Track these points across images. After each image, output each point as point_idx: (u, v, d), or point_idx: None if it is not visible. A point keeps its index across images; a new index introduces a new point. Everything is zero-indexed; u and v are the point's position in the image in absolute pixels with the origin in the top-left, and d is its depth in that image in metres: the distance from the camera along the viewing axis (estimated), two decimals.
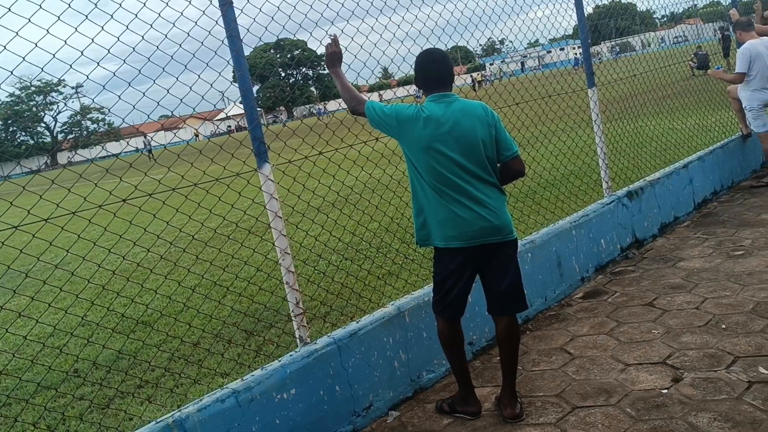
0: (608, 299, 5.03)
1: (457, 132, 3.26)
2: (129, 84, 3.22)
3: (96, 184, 3.13)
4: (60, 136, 78.73)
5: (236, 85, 3.62)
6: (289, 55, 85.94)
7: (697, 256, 5.57)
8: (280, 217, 3.61)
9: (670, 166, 6.86)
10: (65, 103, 78.66)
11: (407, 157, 3.41)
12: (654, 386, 3.61)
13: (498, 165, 3.45)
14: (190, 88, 3.42)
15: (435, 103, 3.34)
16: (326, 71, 4.33)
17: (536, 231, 5.28)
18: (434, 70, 3.40)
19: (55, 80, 74.04)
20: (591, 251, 5.55)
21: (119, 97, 3.17)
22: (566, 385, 3.83)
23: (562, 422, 3.44)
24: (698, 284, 4.94)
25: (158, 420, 3.06)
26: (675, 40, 19.52)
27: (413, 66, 3.53)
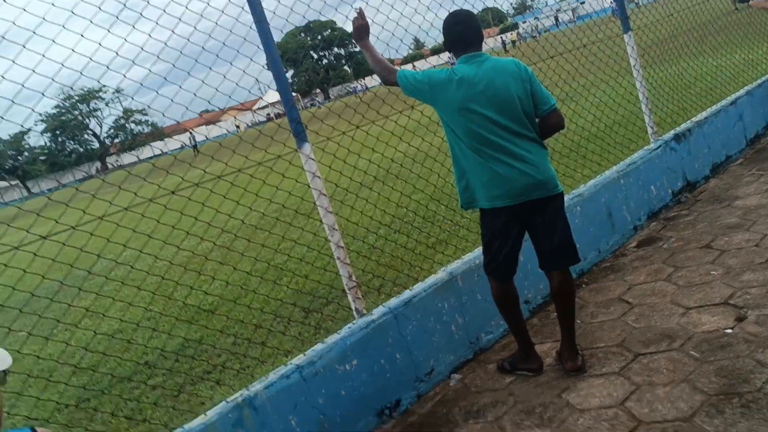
0: (663, 245, 4.94)
1: (490, 91, 3.23)
2: (165, 79, 3.29)
3: (145, 179, 3.23)
4: (107, 141, 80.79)
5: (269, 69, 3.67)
6: (319, 37, 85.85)
7: (753, 194, 5.41)
8: (325, 195, 3.66)
9: (717, 104, 6.63)
10: (108, 108, 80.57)
11: (444, 121, 3.40)
12: (717, 327, 3.55)
13: (537, 120, 3.41)
14: (224, 76, 3.48)
15: (466, 64, 3.32)
16: (357, 48, 4.33)
17: (584, 184, 5.20)
18: (461, 31, 3.37)
19: (97, 87, 75.83)
20: (641, 199, 5.45)
21: (157, 92, 3.25)
22: (627, 334, 3.80)
23: (625, 370, 3.43)
24: (756, 221, 4.81)
25: (228, 400, 3.18)
26: None
27: (442, 31, 3.51)
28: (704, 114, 6.36)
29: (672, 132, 5.97)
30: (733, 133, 6.56)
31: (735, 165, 6.37)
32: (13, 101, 2.87)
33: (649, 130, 5.82)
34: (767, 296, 3.70)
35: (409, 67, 3.86)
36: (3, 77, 2.72)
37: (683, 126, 6.11)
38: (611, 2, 6.08)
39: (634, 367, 3.44)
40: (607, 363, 3.56)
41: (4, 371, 1.83)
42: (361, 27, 3.61)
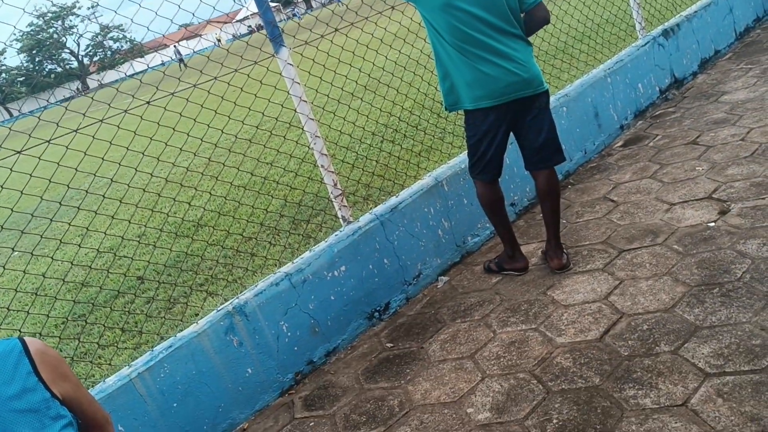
0: (650, 143, 4.93)
1: None
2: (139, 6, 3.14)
3: (134, 96, 3.14)
4: (86, 60, 78.63)
5: None
6: None
7: (741, 88, 5.35)
8: (306, 101, 3.58)
9: None
10: (84, 25, 77.90)
11: (426, 21, 3.29)
12: (700, 221, 3.59)
13: (522, 15, 3.30)
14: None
15: None
16: None
17: (570, 83, 5.12)
18: None
19: (70, 3, 73.10)
20: (629, 97, 5.38)
21: (140, 5, 3.12)
22: (611, 231, 3.85)
23: (609, 266, 3.49)
24: (743, 116, 4.78)
25: (219, 308, 3.23)
26: None
27: None
28: (693, 8, 6.20)
29: (660, 27, 5.83)
30: (722, 27, 6.42)
31: (723, 60, 6.27)
32: None
33: (638, 26, 5.69)
34: (751, 189, 3.72)
35: None
36: None
37: (672, 21, 5.96)
38: None
39: (618, 263, 3.50)
40: (592, 260, 3.62)
41: None
42: None
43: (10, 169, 2.80)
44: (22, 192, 2.99)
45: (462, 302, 3.67)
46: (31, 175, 2.88)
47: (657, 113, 5.49)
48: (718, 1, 6.38)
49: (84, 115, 2.99)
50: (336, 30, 3.79)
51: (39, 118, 2.91)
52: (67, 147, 2.86)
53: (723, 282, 3.02)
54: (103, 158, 3.32)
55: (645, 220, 3.84)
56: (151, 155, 3.50)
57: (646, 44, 5.54)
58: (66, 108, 3.11)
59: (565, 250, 3.69)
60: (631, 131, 5.30)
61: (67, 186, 3.31)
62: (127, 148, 3.40)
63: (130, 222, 3.71)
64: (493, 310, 3.49)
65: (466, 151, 3.82)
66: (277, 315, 3.33)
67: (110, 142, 3.17)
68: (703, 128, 4.83)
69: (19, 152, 2.74)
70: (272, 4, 3.83)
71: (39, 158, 2.81)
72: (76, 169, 3.10)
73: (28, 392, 1.63)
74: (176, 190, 6.10)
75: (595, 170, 4.80)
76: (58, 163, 2.98)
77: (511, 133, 3.49)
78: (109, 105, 2.99)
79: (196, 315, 4.32)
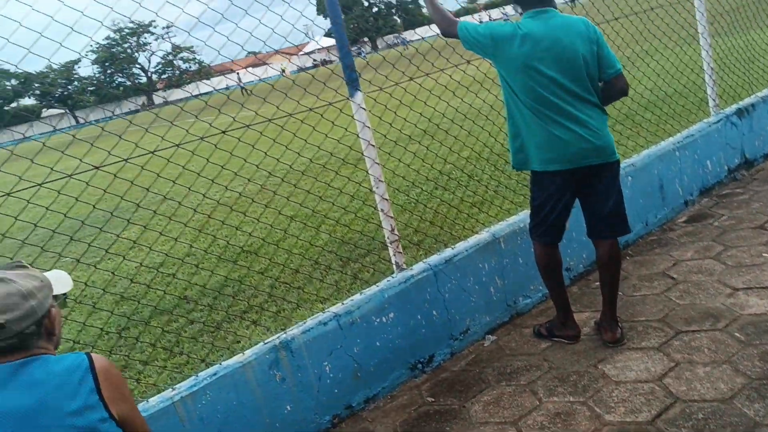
0: (714, 223, 4.80)
1: (556, 49, 3.11)
2: (222, 15, 3.25)
3: (197, 117, 3.23)
4: (154, 77, 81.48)
5: (321, 16, 3.60)
6: None
7: None
8: (373, 146, 3.61)
9: None
10: (157, 44, 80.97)
11: (503, 78, 3.30)
12: (765, 311, 3.45)
13: (600, 84, 3.29)
14: (281, 17, 3.43)
15: (532, 19, 3.19)
16: None
17: (637, 154, 5.06)
18: None
19: (146, 21, 76.18)
20: (696, 173, 5.28)
21: (214, 29, 3.22)
22: (669, 310, 3.73)
23: (665, 346, 3.37)
24: None
25: (266, 341, 3.23)
26: None
27: None
28: None
29: (735, 106, 5.73)
30: None
31: None
32: (72, 29, 2.87)
33: (711, 103, 5.60)
34: None
35: (468, 19, 3.74)
36: (63, 3, 2.72)
37: (747, 101, 5.86)
38: None
39: (674, 344, 3.38)
40: (647, 337, 3.51)
41: (64, 295, 1.86)
42: None
43: (69, 176, 2.87)
44: (77, 199, 3.07)
45: (508, 364, 3.59)
46: (87, 183, 2.95)
47: (724, 192, 5.36)
48: None
49: (146, 130, 3.07)
50: (411, 79, 3.84)
51: (103, 129, 3.00)
52: (125, 160, 2.93)
53: None
54: (158, 174, 3.40)
55: (706, 302, 3.71)
56: (205, 176, 3.56)
57: (718, 122, 5.45)
58: (130, 122, 3.20)
59: (619, 324, 3.59)
60: (696, 208, 5.18)
61: (121, 198, 3.39)
62: (183, 167, 3.47)
63: (176, 240, 3.77)
64: (541, 376, 3.40)
65: (525, 209, 3.79)
66: (322, 354, 3.31)
67: (168, 160, 3.24)
68: None
69: (81, 160, 2.83)
70: (331, 41, 3.90)
71: (97, 168, 2.88)
72: (132, 183, 3.17)
73: (89, 410, 1.64)
74: (226, 214, 6.20)
75: (655, 244, 4.69)
76: (115, 175, 3.05)
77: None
78: (171, 123, 3.07)
79: (238, 342, 4.33)
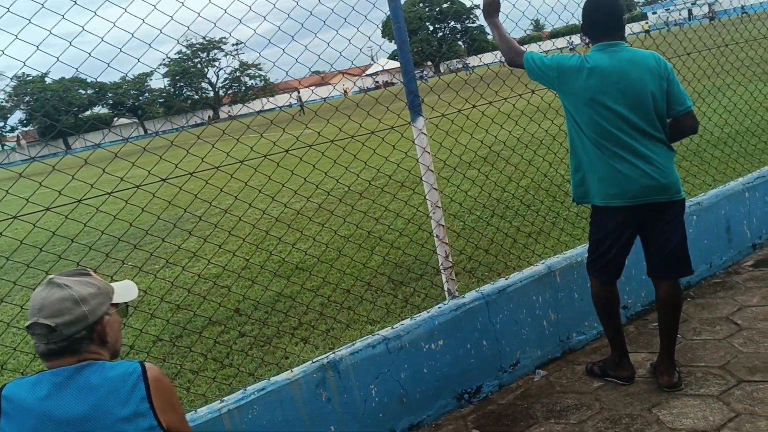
0: None
1: (624, 84, 3.06)
2: (293, 38, 3.33)
3: (262, 135, 3.30)
4: (221, 92, 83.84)
5: (385, 39, 3.64)
6: (437, 9, 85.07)
7: None
8: (432, 171, 3.61)
9: None
10: (226, 59, 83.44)
11: (567, 110, 3.26)
12: None
13: (668, 120, 3.21)
14: (349, 41, 3.49)
15: (601, 52, 3.14)
16: (474, 24, 4.19)
17: (703, 192, 4.90)
18: (602, 16, 3.18)
19: (217, 37, 78.63)
20: (766, 216, 5.07)
21: (283, 51, 3.30)
22: (731, 357, 3.58)
23: (725, 395, 3.23)
24: None
25: (314, 360, 3.24)
26: None
27: (582, 13, 3.32)
28: None
29: None
30: None
31: None
32: (150, 45, 2.98)
33: None
34: None
35: (533, 47, 3.72)
36: (143, 21, 2.83)
37: None
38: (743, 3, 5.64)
39: (735, 393, 3.23)
40: (706, 384, 3.37)
41: (126, 304, 1.92)
42: (493, 3, 3.49)
43: (138, 186, 2.96)
44: (142, 209, 3.16)
45: (558, 401, 3.50)
46: (153, 194, 3.04)
47: None
48: None
49: (213, 146, 3.15)
50: (474, 106, 3.83)
51: (172, 142, 3.09)
52: (191, 174, 3.00)
53: None
54: (221, 189, 3.48)
55: None
56: (266, 193, 3.61)
57: None
58: (198, 137, 3.30)
59: (677, 368, 3.45)
60: (765, 252, 4.97)
61: (184, 210, 3.49)
62: (246, 183, 3.54)
63: (234, 254, 3.84)
64: (591, 416, 3.30)
65: (583, 243, 3.71)
66: (368, 377, 3.29)
67: (231, 175, 3.31)
68: None
69: (149, 172, 2.91)
70: (394, 63, 3.92)
71: (164, 180, 2.96)
72: (195, 196, 3.25)
73: (139, 417, 1.68)
74: (283, 230, 6.29)
75: (719, 287, 4.52)
76: (180, 188, 3.12)
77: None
78: (237, 140, 3.14)
79: (286, 358, 4.36)
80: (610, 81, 3.06)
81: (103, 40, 2.75)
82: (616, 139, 3.09)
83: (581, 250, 4.02)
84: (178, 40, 3.32)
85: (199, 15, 3.03)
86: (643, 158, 3.10)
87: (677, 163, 5.94)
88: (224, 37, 78.93)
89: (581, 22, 3.31)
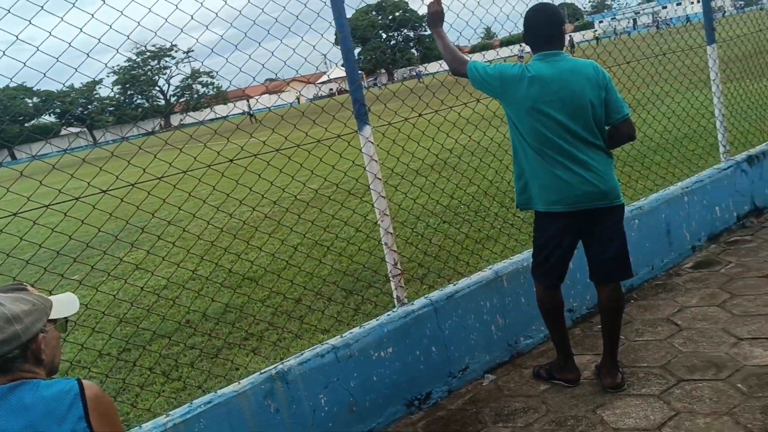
0: (721, 270, 4.76)
1: (564, 92, 3.13)
2: (236, 47, 3.31)
3: (205, 144, 3.26)
4: (173, 99, 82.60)
5: (338, 47, 3.65)
6: (390, 17, 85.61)
7: None
8: (380, 179, 3.63)
9: None
10: (177, 68, 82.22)
11: (510, 118, 3.32)
12: None
13: (607, 128, 3.31)
14: (294, 50, 3.48)
15: (542, 62, 3.22)
16: (427, 32, 4.24)
17: (645, 197, 5.05)
18: (542, 26, 3.26)
19: (168, 45, 77.53)
20: (704, 219, 5.25)
21: (227, 60, 3.28)
22: (672, 356, 3.69)
23: (666, 394, 3.32)
24: None
25: (263, 371, 3.21)
26: None
27: (523, 23, 3.39)
28: None
29: (745, 153, 5.72)
30: None
31: None
32: (88, 54, 2.93)
33: (721, 149, 5.60)
34: None
35: (478, 56, 3.78)
36: (81, 30, 2.77)
37: (758, 148, 5.85)
38: (688, 12, 5.85)
39: (675, 392, 3.33)
40: (648, 384, 3.46)
41: (65, 318, 1.86)
42: (437, 13, 3.54)
43: (77, 199, 2.89)
44: (82, 221, 3.09)
45: (506, 405, 3.55)
46: (94, 207, 2.98)
47: (732, 239, 5.32)
48: None
49: (155, 156, 3.11)
50: (420, 115, 3.87)
51: (112, 153, 3.03)
52: (132, 185, 2.95)
53: None
54: (164, 200, 3.42)
55: (709, 350, 3.66)
56: (210, 203, 3.57)
57: (728, 168, 5.44)
58: (139, 147, 3.24)
59: (620, 369, 3.54)
60: (703, 254, 5.14)
61: (126, 222, 3.42)
62: (189, 194, 3.50)
63: (178, 266, 3.77)
64: (538, 419, 3.35)
65: (529, 248, 3.77)
66: (317, 387, 3.28)
67: (174, 186, 3.27)
68: None
69: (89, 183, 2.85)
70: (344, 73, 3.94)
71: (104, 192, 2.90)
72: (137, 207, 3.19)
73: None
74: (230, 241, 6.21)
75: (660, 288, 4.65)
76: (122, 199, 3.06)
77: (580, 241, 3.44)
78: (180, 150, 3.11)
79: (236, 370, 4.31)
80: (550, 90, 3.14)
81: (38, 50, 2.69)
82: (556, 146, 3.16)
83: (527, 255, 4.08)
84: (117, 50, 3.25)
85: (139, 24, 2.98)
86: (583, 165, 3.18)
87: (620, 169, 6.10)
88: (175, 45, 77.92)
89: (523, 32, 3.38)
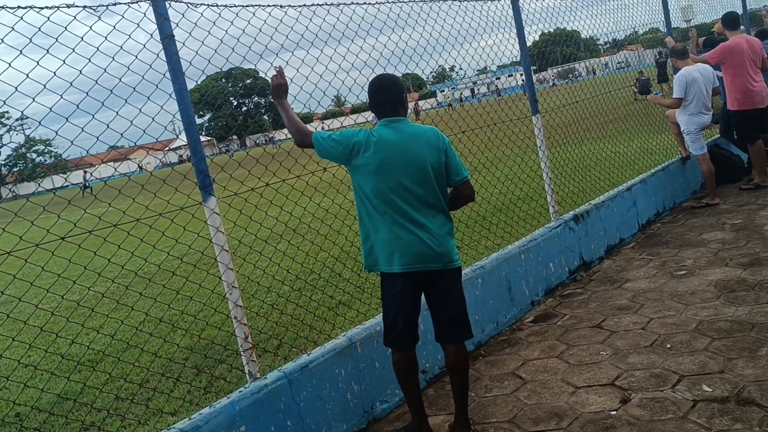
0: (558, 322, 5.09)
1: (407, 156, 3.30)
2: (66, 120, 3.14)
3: (33, 222, 3.03)
4: (5, 170, 76.38)
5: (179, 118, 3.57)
6: (240, 84, 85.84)
7: (642, 277, 5.70)
8: (227, 251, 3.55)
9: (614, 189, 7.04)
10: (9, 135, 76.49)
11: (355, 182, 3.42)
12: (603, 408, 3.65)
13: (448, 189, 3.49)
14: (131, 122, 3.38)
15: (385, 127, 3.38)
16: None
17: (486, 256, 5.33)
18: (385, 95, 3.45)
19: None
20: (540, 275, 5.63)
21: (67, 119, 3.10)
22: (518, 410, 3.85)
23: None
24: (644, 305, 5.05)
25: None
26: (618, 65, 20.22)
27: (367, 92, 3.55)
28: (602, 197, 6.72)
29: (571, 213, 6.25)
30: (627, 218, 6.95)
31: (627, 248, 6.71)
32: None
33: (551, 209, 6.07)
34: (650, 380, 3.85)
35: (324, 126, 3.88)
36: None
37: (582, 207, 6.41)
38: (523, 81, 6.42)
39: None
40: None
41: None
42: (280, 86, 3.61)
43: None
44: None
45: None
46: None
47: (566, 293, 5.73)
48: (623, 194, 6.96)
49: None
50: (267, 185, 3.86)
51: None
52: None
53: None
54: (14, 276, 3.14)
55: (551, 401, 3.87)
56: (39, 286, 3.28)
57: (558, 227, 5.90)
58: None
59: (472, 426, 3.64)
60: (542, 308, 5.49)
61: None
62: (15, 276, 3.22)
63: (1, 356, 3.40)
64: None
65: (381, 313, 3.83)
66: None
67: (26, 260, 3.01)
68: (608, 313, 5.05)
69: None
70: (205, 139, 3.87)
71: None
72: None
73: None
74: (62, 325, 5.71)
75: (505, 343, 4.88)
76: None
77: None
78: (3, 229, 2.87)
79: None
80: (394, 153, 3.29)
81: None
82: (397, 207, 3.30)
83: (379, 319, 4.13)
84: None
85: None
86: (421, 227, 3.33)
87: (462, 231, 6.39)
88: (6, 111, 72.65)
89: (369, 100, 3.54)
